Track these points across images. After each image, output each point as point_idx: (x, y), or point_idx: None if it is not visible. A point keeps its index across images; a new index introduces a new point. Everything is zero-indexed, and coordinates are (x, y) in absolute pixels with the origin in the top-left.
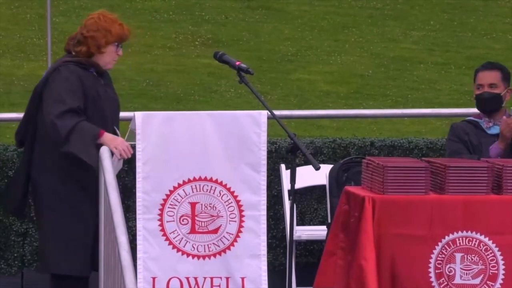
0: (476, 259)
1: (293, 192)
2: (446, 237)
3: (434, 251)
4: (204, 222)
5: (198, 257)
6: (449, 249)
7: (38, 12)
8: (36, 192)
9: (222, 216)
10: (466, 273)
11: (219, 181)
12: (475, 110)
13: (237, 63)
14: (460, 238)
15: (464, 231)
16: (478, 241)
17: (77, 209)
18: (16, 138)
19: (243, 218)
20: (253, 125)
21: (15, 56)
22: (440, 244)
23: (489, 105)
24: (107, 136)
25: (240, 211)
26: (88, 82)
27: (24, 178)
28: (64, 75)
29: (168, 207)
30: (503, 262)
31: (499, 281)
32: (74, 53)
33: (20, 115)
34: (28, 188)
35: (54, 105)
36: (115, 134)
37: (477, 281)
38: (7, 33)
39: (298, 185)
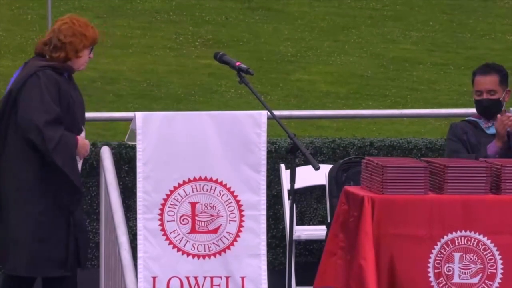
0: (475, 259)
1: (292, 192)
2: (445, 236)
3: (433, 250)
4: (204, 221)
5: (198, 256)
6: (447, 249)
7: (39, 13)
8: (8, 197)
9: (222, 216)
10: (465, 273)
11: (219, 181)
12: (474, 110)
13: (237, 63)
14: (459, 238)
15: (463, 231)
16: (476, 240)
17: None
18: None
19: (243, 218)
20: (253, 125)
21: (16, 56)
22: (439, 243)
23: (489, 112)
24: (80, 142)
25: (240, 211)
26: (63, 87)
27: None
28: (43, 81)
29: (169, 207)
30: (501, 261)
31: (498, 280)
32: (49, 58)
33: None
34: None
35: (37, 113)
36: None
37: (475, 280)
38: (8, 34)
39: (298, 185)
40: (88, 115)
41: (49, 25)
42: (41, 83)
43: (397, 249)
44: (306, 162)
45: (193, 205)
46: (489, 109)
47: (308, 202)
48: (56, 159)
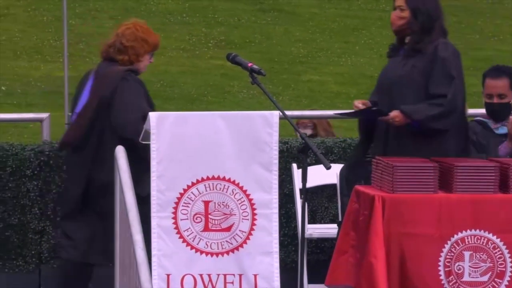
0: (484, 257)
1: (304, 191)
2: (455, 235)
3: (443, 249)
4: (217, 220)
5: (212, 254)
6: (458, 248)
7: (55, 15)
8: (106, 191)
9: (235, 214)
10: (475, 271)
11: (231, 180)
12: (483, 110)
13: (250, 64)
14: (469, 237)
15: (473, 230)
16: (486, 239)
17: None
18: (72, 143)
19: (255, 216)
20: (265, 125)
21: (32, 57)
22: (449, 242)
23: (499, 115)
24: None
25: (253, 209)
26: (144, 87)
27: (84, 179)
28: (133, 84)
29: (182, 206)
30: (510, 259)
31: (507, 278)
32: (117, 61)
33: (38, 115)
34: (88, 188)
35: (133, 112)
36: None
37: (485, 278)
38: (24, 35)
39: (310, 184)
40: None
41: (65, 26)
42: (131, 85)
43: (407, 248)
44: (317, 162)
45: (206, 203)
46: (499, 112)
47: (320, 201)
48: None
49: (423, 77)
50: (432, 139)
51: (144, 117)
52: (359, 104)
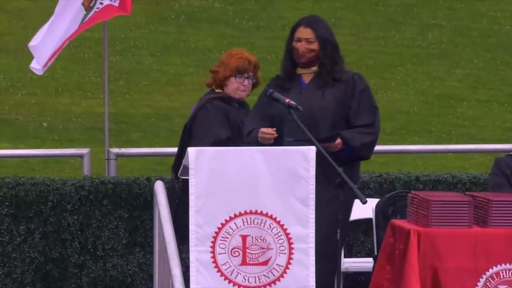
0: None
1: (341, 225)
2: (490, 269)
3: (478, 283)
4: (255, 254)
5: None
6: (493, 282)
7: (96, 51)
8: None
9: (272, 249)
10: None
11: (269, 214)
12: None
13: (287, 100)
14: (504, 271)
15: (508, 264)
16: None
17: None
18: (174, 171)
19: (292, 251)
20: (302, 160)
21: (73, 94)
22: (484, 276)
23: None
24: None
25: (289, 243)
26: (232, 114)
27: None
28: (211, 111)
29: (220, 240)
30: None
31: None
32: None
33: (78, 150)
34: None
35: (204, 138)
36: None
37: None
38: (66, 72)
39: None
40: (143, 150)
41: (105, 63)
42: (209, 114)
43: (442, 282)
44: (354, 196)
45: (244, 238)
46: None
47: (356, 235)
48: None
49: (342, 107)
50: (347, 167)
51: (216, 143)
52: (268, 131)
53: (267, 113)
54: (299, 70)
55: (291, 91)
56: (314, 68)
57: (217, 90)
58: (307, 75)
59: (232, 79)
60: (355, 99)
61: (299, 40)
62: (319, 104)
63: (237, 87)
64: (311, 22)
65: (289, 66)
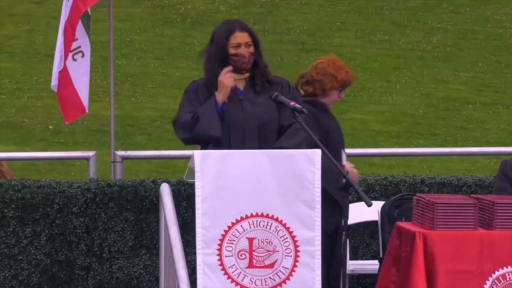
0: None
1: (346, 228)
2: (496, 272)
3: (484, 285)
4: (261, 257)
5: None
6: (499, 284)
7: (101, 55)
8: None
9: (278, 251)
10: None
11: (275, 217)
12: None
13: (292, 103)
14: (510, 273)
15: None
16: None
17: None
18: None
19: (298, 253)
20: (307, 163)
21: None
22: (490, 279)
23: None
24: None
25: (296, 246)
26: (320, 118)
27: None
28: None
29: (227, 242)
30: None
31: None
32: (302, 92)
33: (84, 153)
34: None
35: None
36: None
37: None
38: None
39: (351, 220)
40: (149, 153)
41: (111, 66)
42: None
43: (448, 284)
44: (359, 199)
45: (250, 240)
46: None
47: (361, 238)
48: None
49: (280, 110)
50: None
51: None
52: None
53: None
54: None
55: (229, 102)
56: (246, 74)
57: (303, 92)
58: (239, 81)
59: (335, 92)
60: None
61: (239, 45)
62: (266, 112)
63: (335, 100)
64: (243, 25)
65: (219, 69)
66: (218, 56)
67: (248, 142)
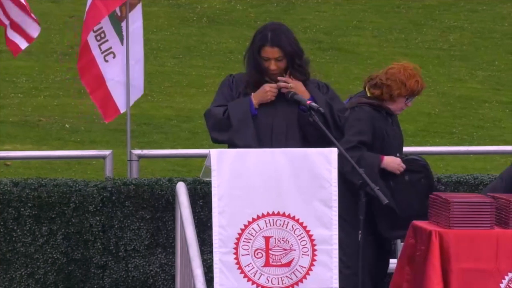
0: None
1: (362, 225)
2: None
3: (501, 284)
4: (278, 255)
5: None
6: None
7: None
8: None
9: (295, 250)
10: None
11: (291, 215)
12: None
13: (308, 102)
14: None
15: None
16: None
17: None
18: None
19: (315, 252)
20: (324, 162)
21: None
22: (506, 277)
23: None
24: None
25: (313, 245)
26: (378, 123)
27: None
28: (358, 115)
29: (243, 241)
30: None
31: None
32: (369, 93)
33: (100, 152)
34: None
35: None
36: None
37: None
38: None
39: None
40: (165, 152)
41: (126, 66)
42: (355, 117)
43: (465, 283)
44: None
45: (267, 239)
46: None
47: None
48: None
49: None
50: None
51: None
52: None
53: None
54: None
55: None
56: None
57: (369, 94)
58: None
59: (403, 99)
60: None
61: (269, 59)
62: (295, 116)
63: (402, 107)
64: (276, 39)
65: (259, 76)
66: (253, 62)
67: (275, 141)
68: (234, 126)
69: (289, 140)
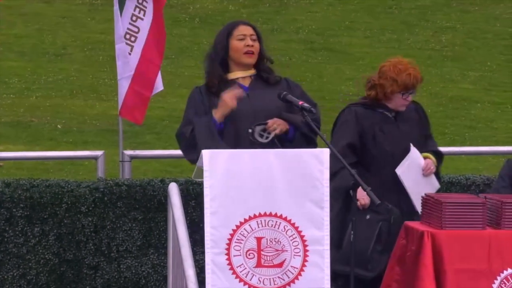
0: None
1: (354, 227)
2: (505, 271)
3: (493, 285)
4: (270, 256)
5: None
6: (508, 283)
7: (110, 54)
8: None
9: (287, 251)
10: None
11: (283, 216)
12: None
13: (300, 102)
14: None
15: None
16: None
17: None
18: None
19: (307, 253)
20: (316, 163)
21: (88, 96)
22: (499, 278)
23: None
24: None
25: (304, 245)
26: (367, 121)
27: None
28: (344, 117)
29: (235, 242)
30: None
31: None
32: (366, 95)
33: (93, 152)
34: None
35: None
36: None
37: None
38: (81, 75)
39: None
40: (157, 152)
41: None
42: (342, 117)
43: (457, 283)
44: None
45: (258, 240)
46: None
47: None
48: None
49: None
50: None
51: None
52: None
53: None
54: (235, 74)
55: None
56: (252, 71)
57: (366, 94)
58: (244, 79)
59: (398, 95)
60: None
61: (244, 37)
62: (274, 106)
63: (400, 103)
64: (246, 21)
65: (221, 72)
66: (220, 56)
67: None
68: (200, 146)
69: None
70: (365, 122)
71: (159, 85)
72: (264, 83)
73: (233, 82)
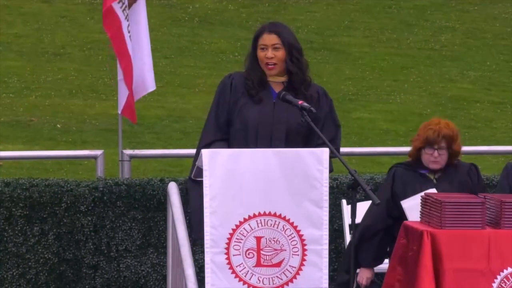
0: None
1: (354, 227)
2: (505, 270)
3: (493, 284)
4: (269, 255)
5: None
6: (508, 283)
7: (109, 54)
8: None
9: (285, 250)
10: None
11: (282, 216)
12: None
13: (300, 102)
14: None
15: None
16: None
17: None
18: None
19: (305, 252)
20: (315, 162)
21: (87, 96)
22: (498, 277)
23: None
24: None
25: (303, 245)
26: (408, 179)
27: None
28: (387, 177)
29: (235, 241)
30: None
31: None
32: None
33: (92, 152)
34: None
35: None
36: None
37: None
38: (80, 74)
39: (359, 219)
40: (156, 152)
41: (119, 66)
42: (387, 178)
43: (457, 283)
44: (366, 198)
45: (258, 239)
46: None
47: None
48: None
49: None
50: None
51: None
52: None
53: (224, 116)
54: (271, 78)
55: (262, 103)
56: (283, 78)
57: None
58: (276, 84)
59: (423, 151)
60: (324, 116)
61: (265, 47)
62: (296, 119)
63: (427, 159)
64: (273, 27)
65: (260, 73)
66: (252, 58)
67: (274, 147)
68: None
69: (274, 141)
70: (406, 179)
71: (150, 85)
72: (294, 93)
73: (268, 84)
